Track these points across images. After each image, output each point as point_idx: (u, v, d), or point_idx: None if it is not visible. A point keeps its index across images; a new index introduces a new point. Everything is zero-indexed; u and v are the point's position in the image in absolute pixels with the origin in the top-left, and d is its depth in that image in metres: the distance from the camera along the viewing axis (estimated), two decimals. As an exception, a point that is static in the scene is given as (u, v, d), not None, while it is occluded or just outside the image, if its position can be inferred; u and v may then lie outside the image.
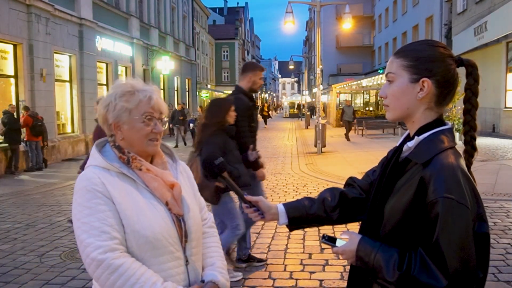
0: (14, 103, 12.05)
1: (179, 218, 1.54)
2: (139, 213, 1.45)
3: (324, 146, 14.39)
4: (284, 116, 49.29)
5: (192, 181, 1.75)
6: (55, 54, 13.75)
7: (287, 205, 1.58)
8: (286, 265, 4.56)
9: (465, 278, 1.12)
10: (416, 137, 1.30)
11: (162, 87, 24.86)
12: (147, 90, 1.54)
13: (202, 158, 3.51)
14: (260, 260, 4.52)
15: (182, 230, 1.53)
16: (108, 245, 1.38)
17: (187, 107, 27.35)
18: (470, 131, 1.33)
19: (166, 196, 1.52)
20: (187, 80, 31.25)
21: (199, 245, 1.62)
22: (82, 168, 4.70)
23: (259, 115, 39.89)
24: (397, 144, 1.41)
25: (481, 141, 14.12)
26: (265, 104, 36.81)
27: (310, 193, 8.08)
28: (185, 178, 1.69)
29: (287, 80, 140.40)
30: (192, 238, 1.56)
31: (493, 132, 17.46)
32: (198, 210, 1.68)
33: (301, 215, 1.56)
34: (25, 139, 11.41)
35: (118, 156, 1.53)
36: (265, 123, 31.66)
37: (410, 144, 1.30)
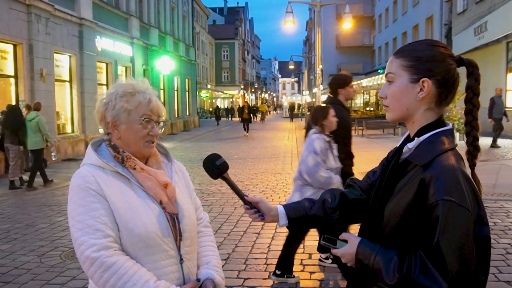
0: (14, 103, 12.04)
1: (173, 217, 1.55)
2: (132, 211, 1.46)
3: (324, 146, 14.36)
4: (284, 116, 49.34)
5: (188, 181, 1.76)
6: (55, 54, 13.74)
7: (287, 207, 1.57)
8: (286, 265, 4.55)
9: (466, 281, 1.12)
10: (416, 138, 1.29)
11: (162, 87, 24.84)
12: (147, 92, 1.56)
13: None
14: None
15: (176, 229, 1.54)
16: (102, 243, 1.39)
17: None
18: (472, 132, 1.32)
19: (160, 195, 1.53)
20: (187, 80, 31.22)
21: (193, 244, 1.63)
22: None
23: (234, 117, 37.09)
24: (397, 145, 1.41)
25: (482, 141, 14.03)
26: (246, 105, 26.27)
27: (310, 193, 8.07)
28: (180, 177, 1.71)
29: (287, 80, 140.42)
30: (186, 237, 1.57)
31: (494, 132, 17.44)
32: (193, 210, 1.69)
33: (301, 217, 1.56)
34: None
35: (113, 155, 1.54)
36: (246, 128, 23.14)
37: (410, 145, 1.30)
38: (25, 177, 10.71)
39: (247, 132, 23.10)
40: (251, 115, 26.35)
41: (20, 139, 9.12)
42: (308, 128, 4.20)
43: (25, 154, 10.31)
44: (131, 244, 1.45)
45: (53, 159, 9.47)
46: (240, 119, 24.79)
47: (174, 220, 1.55)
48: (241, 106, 26.35)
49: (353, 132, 17.78)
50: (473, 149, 1.32)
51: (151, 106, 1.54)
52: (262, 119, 40.87)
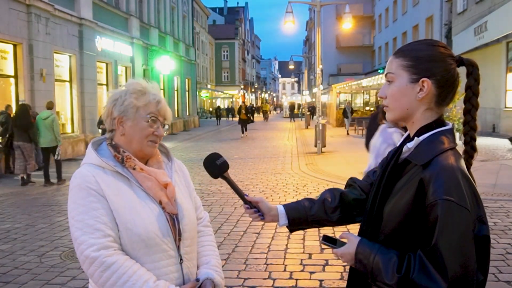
0: (14, 103, 12.06)
1: (173, 217, 1.55)
2: (132, 211, 1.46)
3: (324, 146, 14.39)
4: (284, 116, 49.40)
5: (188, 180, 1.76)
6: (55, 54, 13.74)
7: (287, 206, 1.58)
8: (286, 265, 4.56)
9: (465, 281, 1.11)
10: (416, 138, 1.28)
11: (162, 87, 24.83)
12: (157, 94, 1.59)
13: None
14: None
15: (176, 229, 1.54)
16: (102, 243, 1.39)
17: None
18: (470, 132, 1.31)
19: (159, 195, 1.54)
20: (187, 80, 31.23)
21: (193, 244, 1.63)
22: None
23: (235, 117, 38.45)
24: (397, 145, 1.40)
25: (481, 141, 14.11)
26: (243, 105, 23.92)
27: (310, 193, 8.08)
28: (180, 176, 1.71)
29: (287, 80, 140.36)
30: (186, 237, 1.57)
31: (493, 132, 17.46)
32: (193, 209, 1.69)
33: (301, 216, 1.56)
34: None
35: (113, 154, 1.54)
36: (243, 130, 22.01)
37: (410, 145, 1.29)
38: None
39: (246, 132, 21.96)
40: (250, 116, 24.22)
41: (30, 137, 9.53)
42: (372, 123, 4.23)
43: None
44: (130, 244, 1.45)
45: (55, 158, 9.79)
46: (238, 120, 23.16)
47: (173, 220, 1.55)
48: (241, 106, 23.69)
49: (352, 132, 17.52)
50: (470, 149, 1.31)
51: (159, 107, 1.56)
52: (266, 118, 43.34)
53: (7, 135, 10.09)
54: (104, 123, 1.60)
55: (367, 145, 4.75)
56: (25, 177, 9.71)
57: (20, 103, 12.06)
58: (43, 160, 9.79)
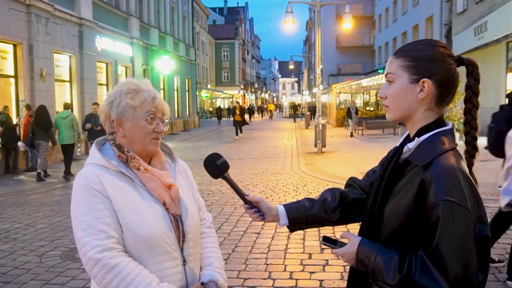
0: (14, 103, 12.07)
1: (176, 218, 1.54)
2: (135, 212, 1.45)
3: (324, 146, 14.39)
4: (284, 116, 49.42)
5: (191, 180, 1.75)
6: (55, 54, 13.74)
7: (287, 206, 1.58)
8: (286, 265, 4.55)
9: (466, 281, 1.11)
10: (416, 138, 1.28)
11: (162, 87, 24.84)
12: (151, 90, 1.57)
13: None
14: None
15: (180, 230, 1.53)
16: (105, 244, 1.38)
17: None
18: (471, 131, 1.32)
19: (163, 196, 1.53)
20: (187, 80, 31.23)
21: (196, 246, 1.62)
22: None
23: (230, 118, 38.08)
24: (397, 145, 1.40)
25: (481, 141, 14.10)
26: (237, 105, 21.40)
27: (310, 193, 8.08)
28: (183, 177, 1.70)
29: (287, 80, 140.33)
30: (189, 238, 1.56)
31: None
32: (197, 210, 1.68)
33: (301, 216, 1.56)
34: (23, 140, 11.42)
35: (117, 154, 1.53)
36: (238, 132, 20.33)
37: (410, 145, 1.29)
38: (25, 177, 10.72)
39: (241, 134, 20.42)
40: (245, 116, 22.74)
41: (49, 136, 10.15)
42: (498, 123, 4.41)
43: (31, 151, 11.09)
44: (134, 245, 1.44)
45: (78, 154, 10.66)
46: (232, 120, 21.31)
47: (177, 221, 1.54)
48: (235, 106, 21.47)
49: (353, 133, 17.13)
50: (472, 149, 1.32)
51: (155, 103, 1.55)
52: (270, 117, 47.27)
53: (29, 134, 10.64)
54: (103, 126, 1.59)
55: (493, 146, 4.88)
56: (42, 172, 10.16)
57: (21, 102, 12.08)
58: (64, 156, 10.50)
